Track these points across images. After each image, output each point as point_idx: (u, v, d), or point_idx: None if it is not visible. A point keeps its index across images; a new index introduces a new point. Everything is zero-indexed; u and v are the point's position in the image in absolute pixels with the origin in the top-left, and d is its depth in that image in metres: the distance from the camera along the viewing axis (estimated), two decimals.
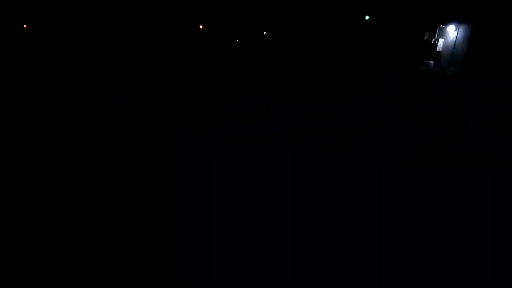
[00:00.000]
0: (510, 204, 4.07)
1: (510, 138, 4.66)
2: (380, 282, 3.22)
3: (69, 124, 6.23)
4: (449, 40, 6.49)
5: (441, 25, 6.71)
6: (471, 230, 3.80)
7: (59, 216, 3.91)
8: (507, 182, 4.29)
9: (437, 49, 6.81)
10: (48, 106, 6.50)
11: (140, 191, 4.50)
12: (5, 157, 5.15)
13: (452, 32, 6.45)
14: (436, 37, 6.92)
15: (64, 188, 4.48)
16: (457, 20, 6.30)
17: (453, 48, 6.34)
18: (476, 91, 5.35)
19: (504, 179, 4.32)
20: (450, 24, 6.46)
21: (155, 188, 4.56)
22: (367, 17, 7.42)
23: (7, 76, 6.65)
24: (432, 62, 6.81)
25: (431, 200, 4.34)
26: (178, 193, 4.42)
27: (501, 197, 4.17)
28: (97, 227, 3.75)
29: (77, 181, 4.71)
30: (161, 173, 4.96)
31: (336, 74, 7.04)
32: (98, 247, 3.42)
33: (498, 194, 4.21)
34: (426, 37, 7.27)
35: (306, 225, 3.94)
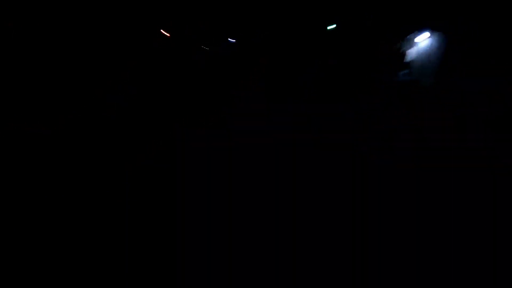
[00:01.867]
0: (510, 204, 4.07)
1: (510, 138, 4.65)
2: (380, 282, 3.22)
3: (69, 124, 6.23)
4: (421, 50, 6.17)
5: (411, 34, 6.41)
6: (471, 230, 3.80)
7: (60, 216, 3.91)
8: (507, 182, 4.29)
9: (407, 59, 6.49)
10: (48, 106, 6.51)
11: (140, 191, 4.50)
12: (5, 157, 5.15)
13: (424, 41, 6.16)
14: (405, 46, 6.62)
15: (65, 188, 4.48)
16: (429, 28, 5.97)
17: (425, 58, 6.04)
18: (476, 91, 5.35)
19: (504, 179, 4.32)
20: (422, 32, 6.16)
21: (155, 188, 4.56)
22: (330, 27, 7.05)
23: (6, 76, 6.65)
24: (403, 72, 6.51)
25: (431, 200, 4.34)
26: (178, 193, 4.42)
27: (501, 197, 4.17)
28: (97, 227, 3.75)
29: (77, 181, 4.71)
30: (161, 173, 4.96)
31: (336, 74, 7.03)
32: (98, 247, 3.42)
33: (498, 194, 4.21)
34: (395, 47, 6.97)
35: (306, 225, 3.94)
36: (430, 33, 6.28)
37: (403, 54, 6.63)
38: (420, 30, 6.46)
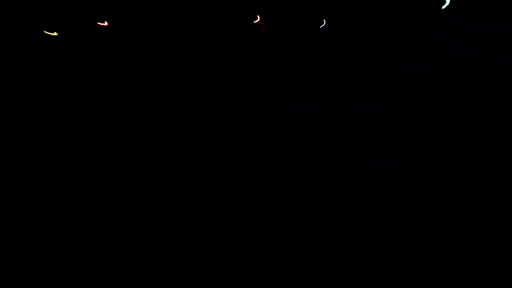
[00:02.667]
0: (510, 204, 4.07)
1: (510, 138, 4.66)
2: (380, 282, 3.22)
3: (69, 124, 6.23)
4: None
5: None
6: (471, 230, 3.80)
7: (59, 216, 3.91)
8: (507, 182, 4.29)
9: None
10: (48, 106, 6.51)
11: (140, 191, 4.50)
12: (5, 157, 5.15)
13: None
14: None
15: (64, 188, 4.48)
16: None
17: None
18: (476, 91, 5.34)
19: (504, 179, 4.32)
20: None
21: (155, 188, 4.57)
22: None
23: (6, 76, 6.64)
24: None
25: (431, 200, 4.34)
26: (178, 193, 4.43)
27: (501, 197, 4.17)
28: (97, 227, 3.75)
29: (77, 181, 4.71)
30: (161, 173, 4.96)
31: (336, 74, 7.03)
32: (98, 247, 3.43)
33: (498, 194, 4.21)
34: None
35: (306, 225, 3.95)
36: None
37: None
38: None
